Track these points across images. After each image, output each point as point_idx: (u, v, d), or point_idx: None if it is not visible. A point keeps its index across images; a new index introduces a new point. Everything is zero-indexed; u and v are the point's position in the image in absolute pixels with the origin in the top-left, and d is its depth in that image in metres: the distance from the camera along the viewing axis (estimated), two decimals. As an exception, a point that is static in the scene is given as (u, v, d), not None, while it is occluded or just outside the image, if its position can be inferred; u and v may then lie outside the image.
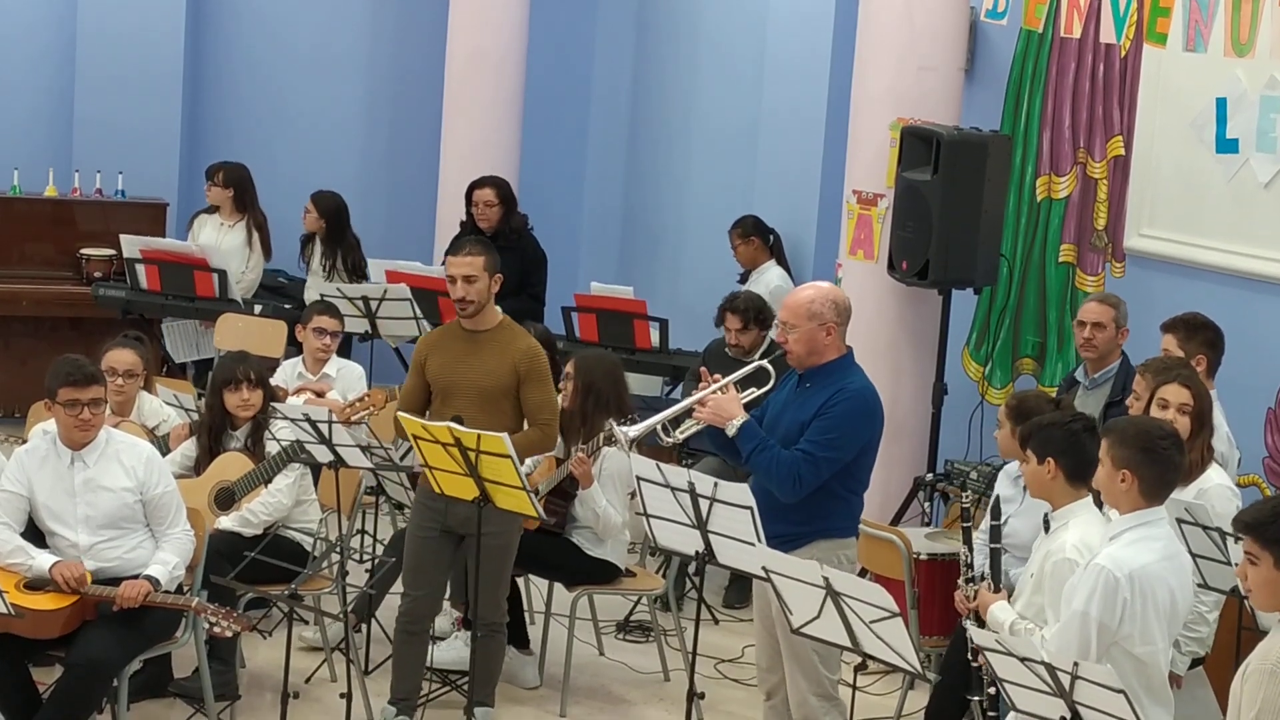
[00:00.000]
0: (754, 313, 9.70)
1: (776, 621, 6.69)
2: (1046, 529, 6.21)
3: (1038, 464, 6.17)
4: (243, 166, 11.76)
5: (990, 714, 6.31)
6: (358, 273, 11.48)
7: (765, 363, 6.92)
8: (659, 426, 6.86)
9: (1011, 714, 5.80)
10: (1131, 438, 5.72)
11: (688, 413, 6.83)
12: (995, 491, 7.37)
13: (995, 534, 6.54)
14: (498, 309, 7.72)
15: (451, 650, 8.38)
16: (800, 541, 6.51)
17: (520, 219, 11.33)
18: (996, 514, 6.59)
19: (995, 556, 6.50)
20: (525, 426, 7.58)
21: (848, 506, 6.78)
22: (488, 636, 7.60)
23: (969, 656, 6.67)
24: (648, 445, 9.37)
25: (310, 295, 11.34)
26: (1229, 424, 7.56)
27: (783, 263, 11.09)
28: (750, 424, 6.69)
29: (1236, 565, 6.37)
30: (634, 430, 6.89)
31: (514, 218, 11.29)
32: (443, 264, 7.72)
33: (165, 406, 8.69)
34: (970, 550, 6.85)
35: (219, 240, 11.55)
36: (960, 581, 6.83)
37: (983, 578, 6.85)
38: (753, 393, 6.85)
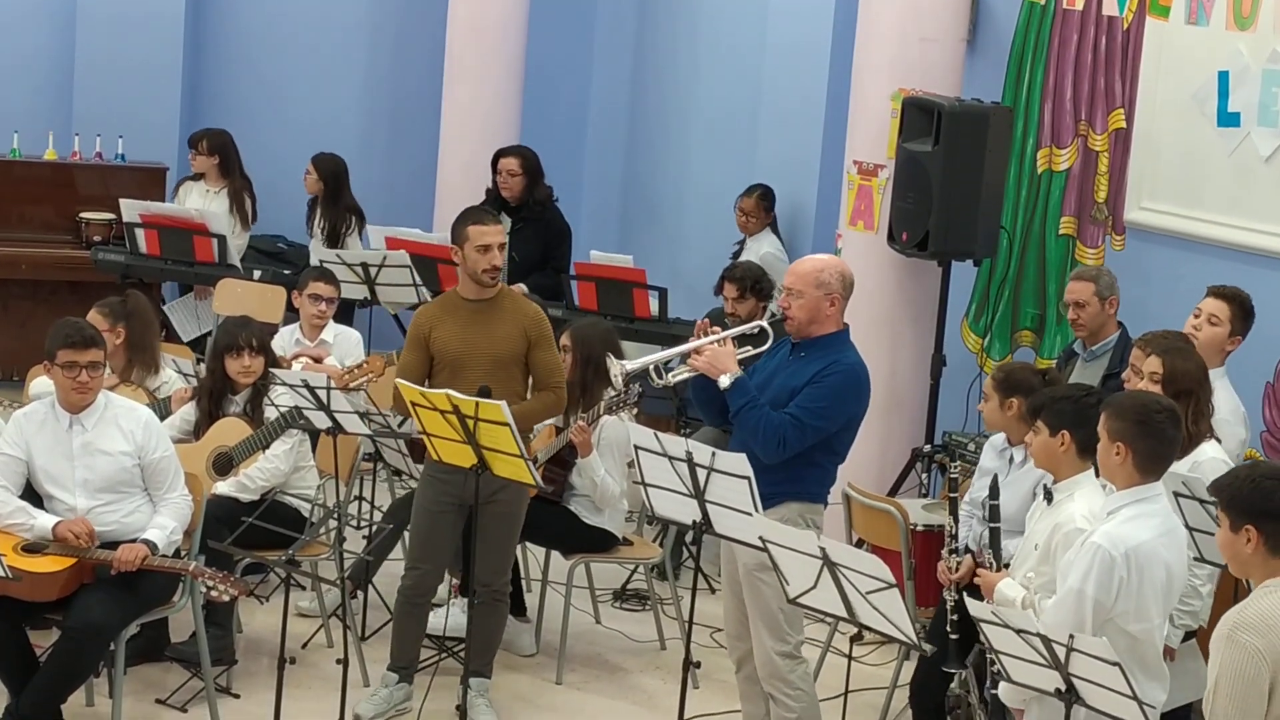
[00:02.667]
0: (751, 282, 9.74)
1: (746, 580, 6.79)
2: (1049, 499, 6.21)
3: (1050, 436, 6.16)
4: (225, 133, 11.76)
5: (991, 692, 6.30)
6: (333, 240, 11.41)
7: (765, 323, 6.95)
8: (651, 368, 6.89)
9: (1002, 685, 5.82)
10: (1127, 410, 5.72)
11: (683, 359, 6.87)
12: (980, 464, 7.36)
13: (994, 513, 6.54)
14: None
15: (450, 617, 8.39)
16: (772, 501, 6.55)
17: (545, 191, 11.26)
18: (995, 493, 6.58)
19: (995, 536, 6.50)
20: (530, 392, 7.60)
21: (822, 474, 6.86)
22: (489, 604, 7.60)
23: (946, 628, 6.70)
24: (647, 414, 9.40)
25: (313, 260, 11.33)
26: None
27: (776, 235, 11.12)
28: (743, 379, 6.74)
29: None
30: (631, 365, 6.93)
31: (539, 189, 11.23)
32: (452, 234, 7.67)
33: (166, 369, 8.69)
34: (955, 521, 6.86)
35: (205, 206, 11.55)
36: (944, 553, 6.84)
37: (966, 549, 6.87)
38: (749, 351, 6.90)
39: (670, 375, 6.90)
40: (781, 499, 6.66)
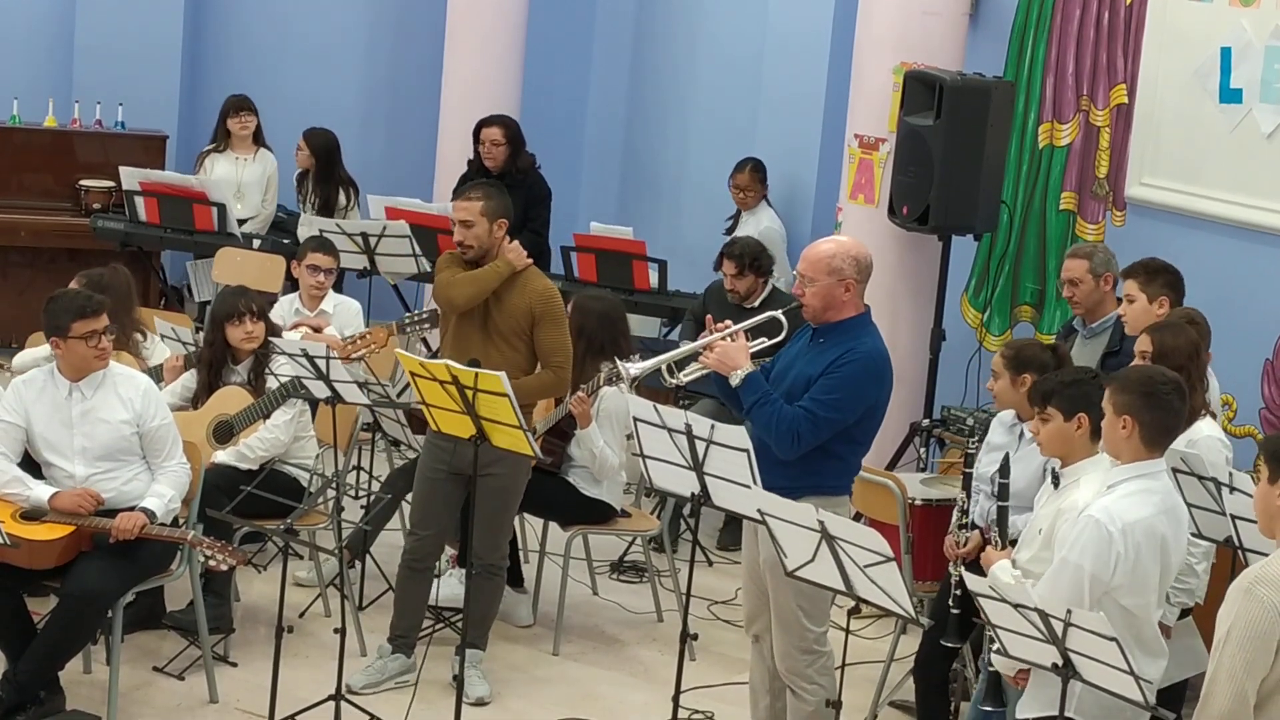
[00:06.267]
0: (749, 259, 9.65)
1: (768, 574, 6.65)
2: (1055, 483, 6.19)
3: (1065, 420, 6.09)
4: None
5: (990, 668, 6.31)
6: (326, 213, 11.40)
7: (779, 314, 6.77)
8: (663, 367, 6.76)
9: (995, 658, 5.83)
10: (1133, 383, 5.72)
11: (694, 356, 6.72)
12: (989, 439, 7.34)
13: (1004, 492, 6.50)
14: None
15: (446, 587, 8.40)
16: (792, 496, 6.30)
17: (528, 159, 11.25)
18: (1006, 472, 6.53)
19: (1003, 515, 6.47)
20: (538, 368, 7.60)
21: (844, 465, 6.68)
22: (485, 577, 7.61)
23: (949, 603, 6.69)
24: (646, 386, 9.37)
25: (304, 232, 11.33)
26: (1221, 378, 7.52)
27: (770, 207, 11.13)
28: (755, 375, 6.57)
29: (1231, 515, 6.42)
30: (635, 368, 6.77)
31: (521, 157, 11.22)
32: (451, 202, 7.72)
33: (156, 338, 8.67)
34: (967, 496, 6.84)
35: (239, 174, 11.55)
36: (953, 527, 6.83)
37: (974, 526, 6.85)
38: (763, 343, 6.73)
39: (682, 374, 6.71)
40: (802, 494, 6.38)
